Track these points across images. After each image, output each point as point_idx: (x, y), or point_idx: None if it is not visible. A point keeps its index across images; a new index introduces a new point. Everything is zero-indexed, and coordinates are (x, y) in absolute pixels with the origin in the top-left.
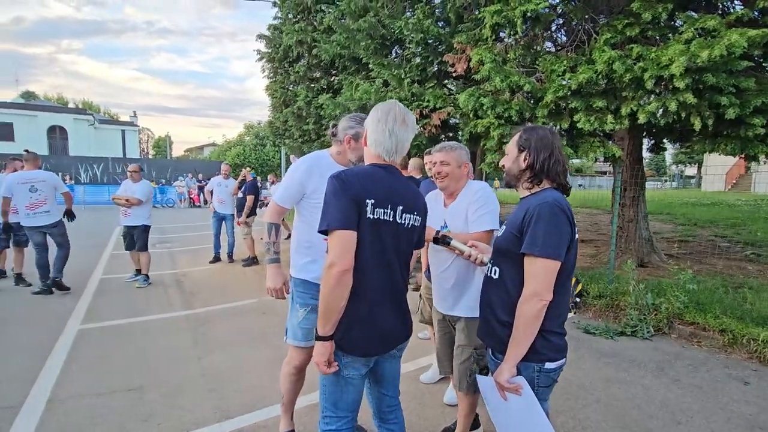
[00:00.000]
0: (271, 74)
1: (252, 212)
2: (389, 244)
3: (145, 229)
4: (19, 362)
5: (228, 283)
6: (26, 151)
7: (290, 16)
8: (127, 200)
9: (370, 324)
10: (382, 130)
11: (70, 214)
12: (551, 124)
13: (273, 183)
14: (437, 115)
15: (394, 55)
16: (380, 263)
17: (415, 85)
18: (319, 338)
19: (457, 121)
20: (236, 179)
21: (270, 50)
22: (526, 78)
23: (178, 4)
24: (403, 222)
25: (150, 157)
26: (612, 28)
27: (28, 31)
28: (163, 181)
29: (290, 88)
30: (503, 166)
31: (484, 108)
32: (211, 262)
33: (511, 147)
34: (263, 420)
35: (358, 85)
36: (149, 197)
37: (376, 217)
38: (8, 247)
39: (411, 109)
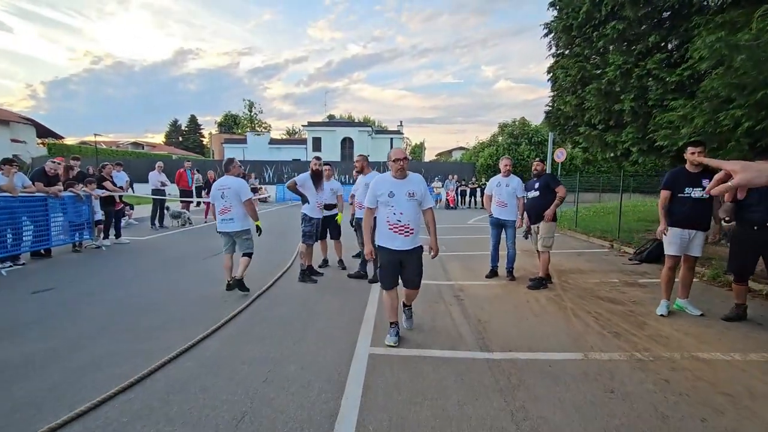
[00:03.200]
0: (564, 48)
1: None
2: None
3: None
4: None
5: (523, 315)
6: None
7: None
8: None
9: None
10: None
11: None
12: None
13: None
14: None
15: None
16: None
17: None
18: None
19: None
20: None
21: (564, 18)
22: None
23: (437, 23)
24: None
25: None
26: None
27: (333, 71)
28: None
29: (593, 60)
30: None
31: None
32: (487, 277)
33: None
34: None
35: None
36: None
37: None
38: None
39: None
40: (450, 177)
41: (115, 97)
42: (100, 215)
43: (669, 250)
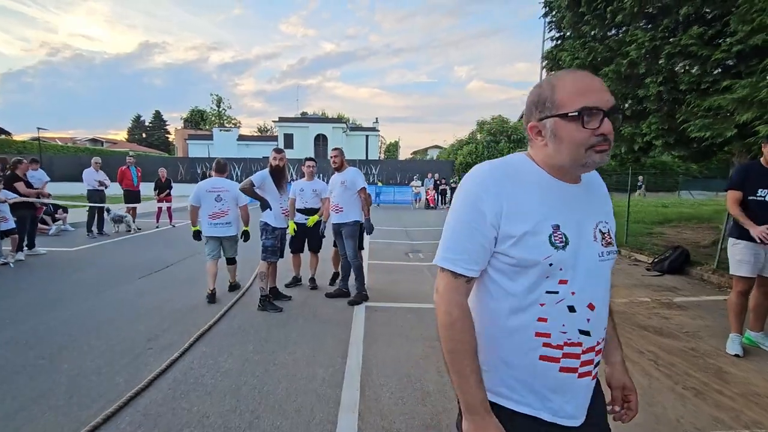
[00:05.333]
0: (569, 28)
1: None
2: None
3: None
4: None
5: None
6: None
7: None
8: None
9: None
10: None
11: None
12: None
13: None
14: None
15: None
16: None
17: None
18: None
19: None
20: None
21: None
22: None
23: (411, 23)
24: None
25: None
26: None
27: (307, 68)
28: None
29: (606, 41)
30: None
31: None
32: None
33: None
34: None
35: None
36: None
37: None
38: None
39: None
40: (429, 175)
41: (74, 91)
42: (11, 223)
43: (740, 270)
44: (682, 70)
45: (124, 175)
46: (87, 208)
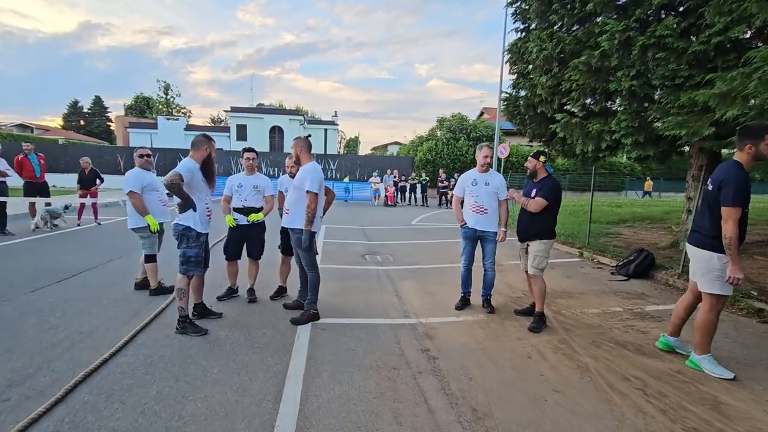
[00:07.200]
0: (536, 18)
1: None
2: None
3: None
4: None
5: (536, 390)
6: None
7: None
8: None
9: None
10: None
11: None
12: None
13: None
14: None
15: None
16: None
17: None
18: None
19: None
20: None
21: None
22: None
23: (371, 18)
24: None
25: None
26: None
27: (265, 58)
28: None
29: (574, 32)
30: None
31: None
32: (458, 308)
33: None
34: None
35: None
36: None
37: None
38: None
39: None
40: (388, 172)
41: (3, 73)
42: None
43: (727, 289)
44: (656, 65)
45: (22, 165)
46: None
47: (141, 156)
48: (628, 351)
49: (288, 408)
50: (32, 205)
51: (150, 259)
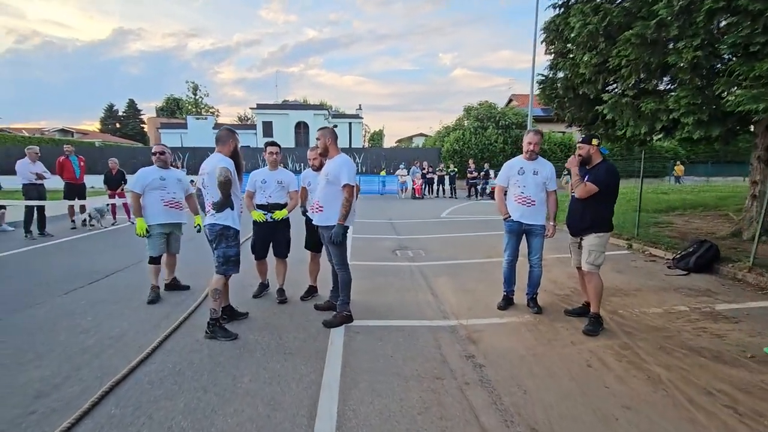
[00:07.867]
0: None
1: None
2: None
3: None
4: None
5: (604, 408)
6: None
7: None
8: None
9: None
10: None
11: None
12: None
13: None
14: None
15: None
16: None
17: None
18: None
19: None
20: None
21: None
22: None
23: (392, 9)
24: None
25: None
26: None
27: (288, 55)
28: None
29: (623, 3)
30: None
31: None
32: (501, 308)
33: None
34: None
35: None
36: None
37: None
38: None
39: None
40: (416, 163)
41: (44, 80)
42: None
43: None
44: (724, 32)
45: (63, 166)
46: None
47: (154, 153)
48: (705, 358)
49: (324, 425)
50: (71, 207)
51: (150, 260)
